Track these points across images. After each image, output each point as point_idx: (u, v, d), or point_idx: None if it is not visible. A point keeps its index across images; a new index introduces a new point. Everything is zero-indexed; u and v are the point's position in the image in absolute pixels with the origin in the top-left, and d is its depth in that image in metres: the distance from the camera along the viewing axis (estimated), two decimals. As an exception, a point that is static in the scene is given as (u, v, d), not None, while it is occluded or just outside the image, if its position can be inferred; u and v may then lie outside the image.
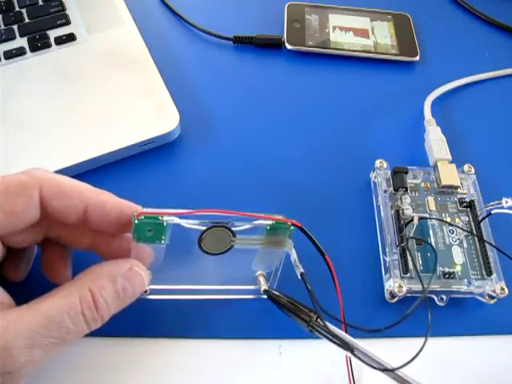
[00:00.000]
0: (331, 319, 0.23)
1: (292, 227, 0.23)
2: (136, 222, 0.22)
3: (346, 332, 0.24)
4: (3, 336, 0.19)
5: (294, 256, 0.24)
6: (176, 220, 0.22)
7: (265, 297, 0.27)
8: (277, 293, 0.26)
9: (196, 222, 0.22)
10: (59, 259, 0.26)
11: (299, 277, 0.24)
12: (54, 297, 0.21)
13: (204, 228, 0.22)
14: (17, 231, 0.23)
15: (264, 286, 0.26)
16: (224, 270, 0.26)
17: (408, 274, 0.28)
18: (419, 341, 0.25)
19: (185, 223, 0.22)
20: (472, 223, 0.30)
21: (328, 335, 0.23)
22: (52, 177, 0.23)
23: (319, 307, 0.23)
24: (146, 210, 0.22)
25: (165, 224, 0.22)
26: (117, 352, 0.26)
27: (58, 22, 0.37)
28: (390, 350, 0.27)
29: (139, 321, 0.25)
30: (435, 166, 0.32)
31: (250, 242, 0.24)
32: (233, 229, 0.23)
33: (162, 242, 0.23)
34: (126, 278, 0.23)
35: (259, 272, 0.27)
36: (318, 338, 0.24)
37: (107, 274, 0.22)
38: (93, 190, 0.24)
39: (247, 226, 0.23)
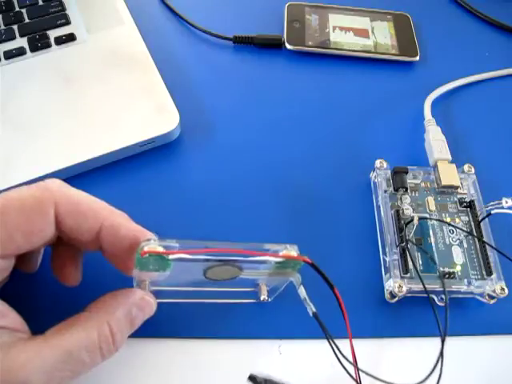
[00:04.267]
0: (347, 361, 0.23)
1: (302, 263, 0.23)
2: (140, 258, 0.21)
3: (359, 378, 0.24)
4: (22, 372, 0.19)
5: (303, 294, 0.24)
6: (182, 255, 0.21)
7: (267, 300, 0.26)
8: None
9: (202, 257, 0.22)
10: (70, 261, 0.25)
11: (311, 314, 0.23)
12: (71, 330, 0.21)
13: (211, 264, 0.22)
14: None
15: (264, 296, 0.26)
16: (227, 283, 0.26)
17: (408, 274, 0.28)
18: (420, 341, 0.25)
19: (191, 258, 0.22)
20: (472, 223, 0.30)
21: None
22: (67, 193, 0.23)
23: (335, 346, 0.23)
24: (151, 247, 0.21)
25: (170, 262, 0.22)
26: (117, 352, 0.26)
27: (58, 22, 0.37)
28: (391, 349, 0.27)
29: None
30: (435, 166, 0.32)
31: (257, 274, 0.24)
32: (240, 264, 0.23)
33: (166, 272, 0.22)
34: (139, 308, 0.23)
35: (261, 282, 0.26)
36: (318, 338, 0.24)
37: (122, 304, 0.22)
38: (108, 210, 0.23)
39: (255, 260, 0.22)
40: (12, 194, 0.22)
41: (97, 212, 0.23)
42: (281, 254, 0.22)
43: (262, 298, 0.26)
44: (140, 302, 0.23)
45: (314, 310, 0.23)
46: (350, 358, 0.24)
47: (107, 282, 0.24)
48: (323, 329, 0.23)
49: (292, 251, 0.22)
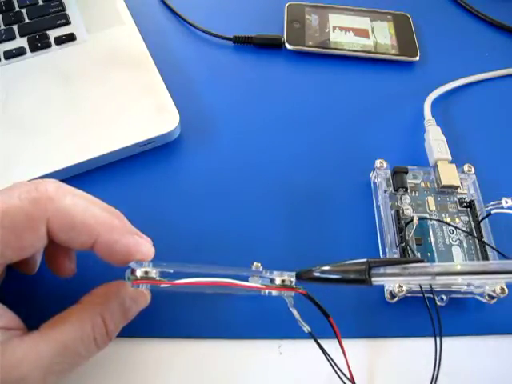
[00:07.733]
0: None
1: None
2: (131, 284, 0.22)
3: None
4: (20, 368, 0.19)
5: (296, 316, 0.24)
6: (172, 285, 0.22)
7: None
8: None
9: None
10: (63, 255, 0.25)
11: (306, 332, 0.24)
12: (65, 323, 0.21)
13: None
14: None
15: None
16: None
17: (408, 274, 0.28)
18: (420, 341, 0.25)
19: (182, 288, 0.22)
20: (472, 223, 0.30)
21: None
22: (62, 204, 0.22)
23: (337, 367, 0.24)
24: (143, 270, 0.22)
25: (161, 288, 0.22)
26: (118, 352, 0.26)
27: (58, 22, 0.37)
28: (391, 350, 0.27)
29: (139, 321, 0.25)
30: (435, 166, 0.32)
31: (252, 292, 0.25)
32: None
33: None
34: (132, 299, 0.23)
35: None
36: (317, 338, 0.24)
37: (115, 296, 0.22)
38: (104, 224, 0.22)
39: (248, 290, 0.23)
40: (2, 206, 0.21)
41: (91, 228, 0.22)
42: (276, 283, 0.23)
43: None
44: (133, 293, 0.23)
45: (309, 329, 0.24)
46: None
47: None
48: (321, 348, 0.24)
49: (291, 278, 0.23)
